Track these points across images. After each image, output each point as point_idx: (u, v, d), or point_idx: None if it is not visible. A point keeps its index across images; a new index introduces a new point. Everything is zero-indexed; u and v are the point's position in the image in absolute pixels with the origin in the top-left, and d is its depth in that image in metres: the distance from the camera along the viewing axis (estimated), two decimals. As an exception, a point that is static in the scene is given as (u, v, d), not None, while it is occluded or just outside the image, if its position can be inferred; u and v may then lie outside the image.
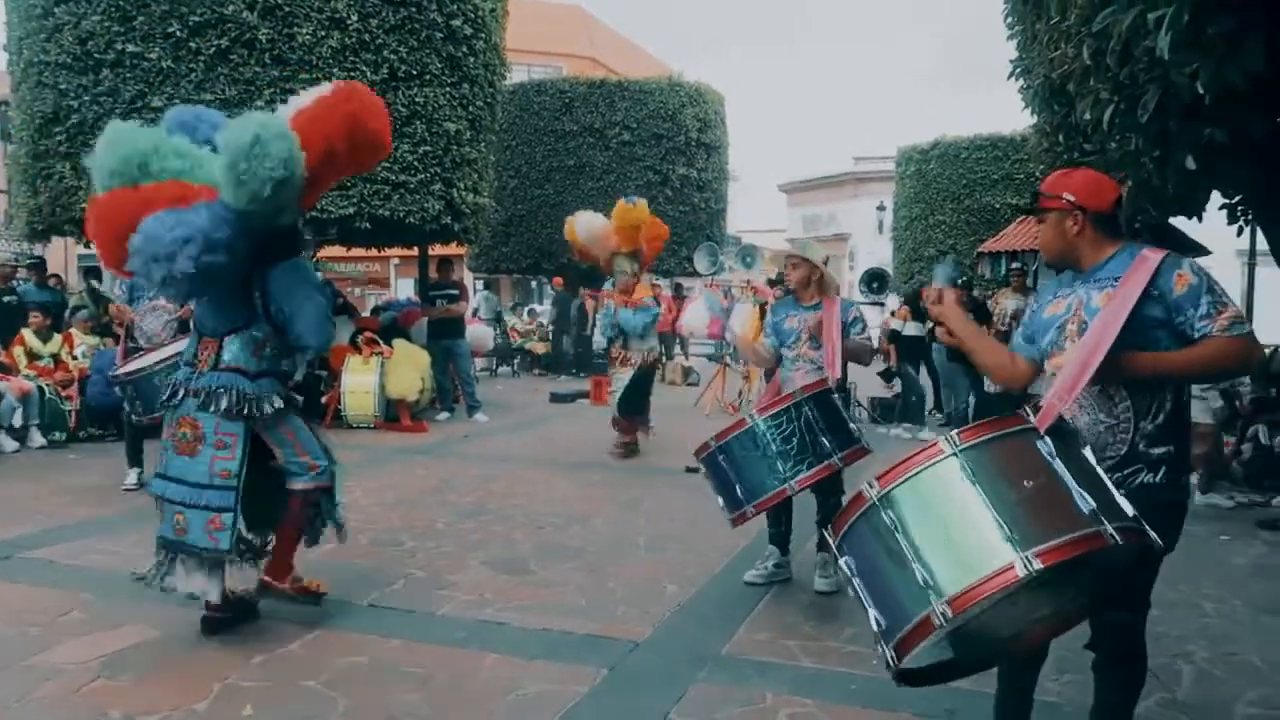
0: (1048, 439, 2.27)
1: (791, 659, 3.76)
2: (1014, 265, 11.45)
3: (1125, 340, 2.41)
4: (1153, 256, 2.48)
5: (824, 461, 4.09)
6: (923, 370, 11.27)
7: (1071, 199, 2.59)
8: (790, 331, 4.79)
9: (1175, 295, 2.43)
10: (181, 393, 3.83)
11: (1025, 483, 2.20)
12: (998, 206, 20.26)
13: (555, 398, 13.39)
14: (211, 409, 3.74)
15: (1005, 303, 10.15)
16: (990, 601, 2.15)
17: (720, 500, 4.23)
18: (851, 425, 4.32)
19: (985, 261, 15.65)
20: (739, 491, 4.10)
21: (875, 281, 12.60)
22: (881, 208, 29.37)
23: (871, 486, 2.31)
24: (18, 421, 8.41)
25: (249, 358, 3.82)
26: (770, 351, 4.91)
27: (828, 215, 35.16)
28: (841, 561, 2.41)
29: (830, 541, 2.49)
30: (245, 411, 3.76)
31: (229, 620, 3.94)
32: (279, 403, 3.86)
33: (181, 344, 4.94)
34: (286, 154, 3.43)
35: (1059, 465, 2.22)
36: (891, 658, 2.25)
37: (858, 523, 2.36)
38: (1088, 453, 2.31)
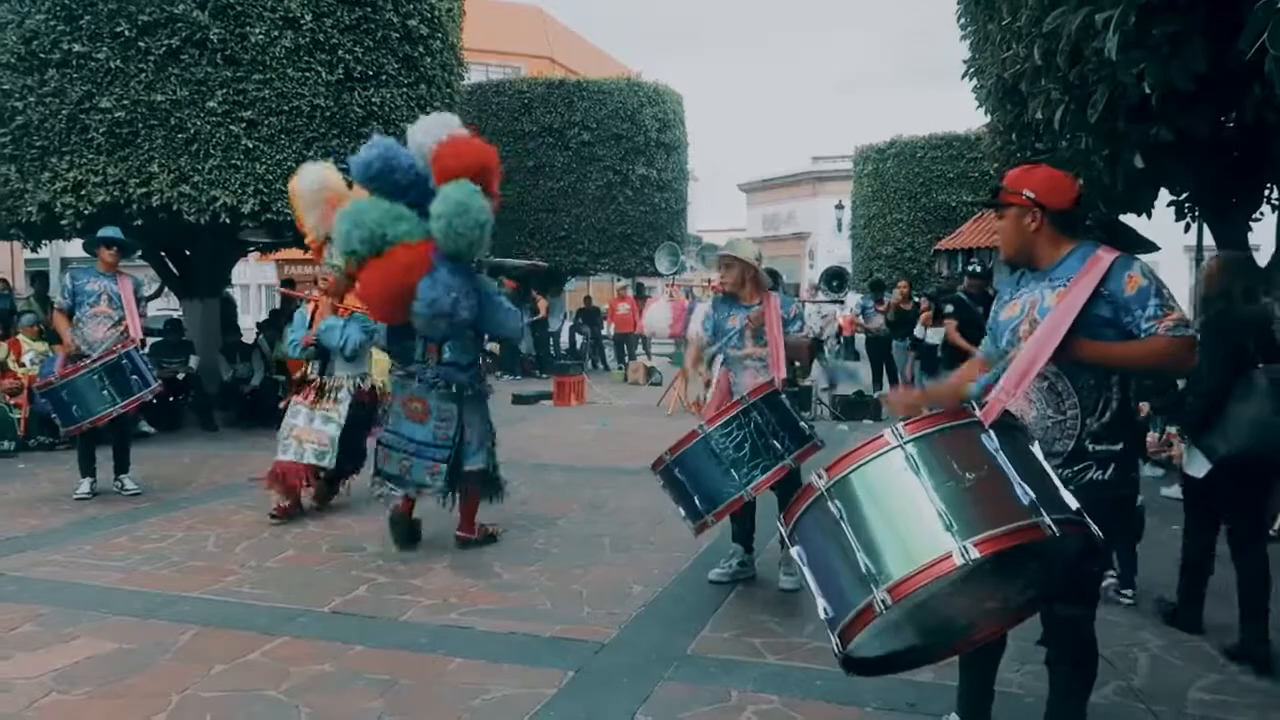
0: (992, 433, 2.31)
1: (756, 656, 3.78)
2: (972, 261, 11.62)
3: (1072, 337, 2.46)
4: (1105, 257, 2.53)
5: (778, 464, 4.12)
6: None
7: (1031, 195, 2.63)
8: (733, 330, 4.73)
9: (1125, 295, 2.48)
10: (416, 380, 5.22)
11: (967, 474, 2.24)
12: (953, 204, 20.57)
13: (518, 399, 13.33)
14: (436, 391, 5.18)
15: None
16: (929, 589, 2.18)
17: (681, 510, 4.25)
18: (802, 423, 4.34)
19: (942, 259, 15.86)
20: (697, 501, 4.13)
21: (835, 280, 12.73)
22: (840, 206, 29.63)
23: (820, 477, 2.35)
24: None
25: (461, 355, 5.21)
26: (707, 374, 4.96)
27: (787, 214, 35.45)
28: (793, 551, 2.44)
29: (782, 531, 2.52)
30: (458, 393, 5.19)
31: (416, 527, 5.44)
32: (479, 387, 5.37)
33: (118, 348, 6.38)
34: (487, 215, 4.86)
35: (1002, 458, 2.26)
36: (837, 644, 2.29)
37: (807, 512, 2.40)
38: (1035, 449, 2.35)
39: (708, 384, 6.10)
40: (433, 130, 5.08)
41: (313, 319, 6.47)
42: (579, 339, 19.91)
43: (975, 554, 2.10)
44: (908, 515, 2.24)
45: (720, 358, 4.87)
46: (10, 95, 9.14)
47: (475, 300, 5.00)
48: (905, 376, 10.20)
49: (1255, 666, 3.64)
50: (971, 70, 7.74)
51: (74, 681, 3.46)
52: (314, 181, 5.59)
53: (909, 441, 2.29)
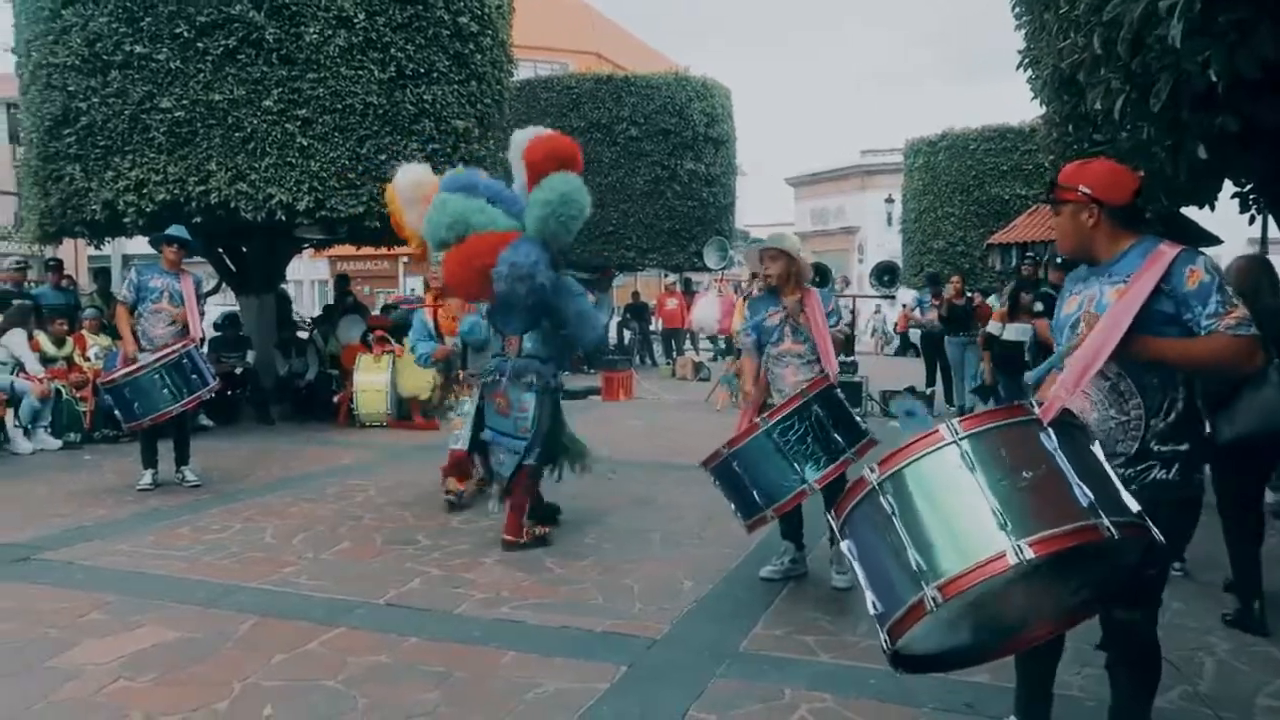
0: (1051, 431, 2.26)
1: (809, 654, 3.76)
2: (1028, 255, 11.40)
3: (1132, 335, 2.41)
4: (1168, 252, 2.46)
5: (838, 458, 4.10)
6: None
7: (1087, 191, 2.57)
8: (774, 328, 4.68)
9: (1185, 290, 2.41)
10: (497, 374, 5.43)
11: (1024, 473, 2.20)
12: (1007, 198, 20.18)
13: (566, 394, 13.36)
14: (515, 384, 5.35)
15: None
16: (981, 589, 2.15)
17: (733, 507, 4.23)
18: (857, 419, 4.34)
19: (996, 253, 15.58)
20: (755, 496, 4.10)
21: (886, 275, 12.58)
22: (890, 200, 29.30)
23: (872, 471, 2.33)
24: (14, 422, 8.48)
25: (540, 347, 5.43)
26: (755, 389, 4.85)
27: (836, 209, 35.11)
28: (844, 545, 2.44)
29: (833, 525, 2.51)
30: (538, 385, 5.34)
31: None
32: (554, 383, 5.50)
33: (177, 345, 6.54)
34: (587, 206, 5.11)
35: (1061, 458, 2.22)
36: (886, 640, 2.28)
37: (859, 507, 2.39)
38: (1096, 449, 2.30)
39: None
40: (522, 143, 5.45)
41: (437, 324, 6.80)
42: (627, 334, 19.93)
43: (1030, 554, 2.07)
44: (961, 512, 2.21)
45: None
46: (75, 96, 9.39)
47: (554, 277, 5.03)
48: (984, 377, 9.73)
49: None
50: (1026, 61, 7.57)
51: (140, 668, 3.55)
52: (412, 180, 5.82)
53: (965, 438, 2.26)
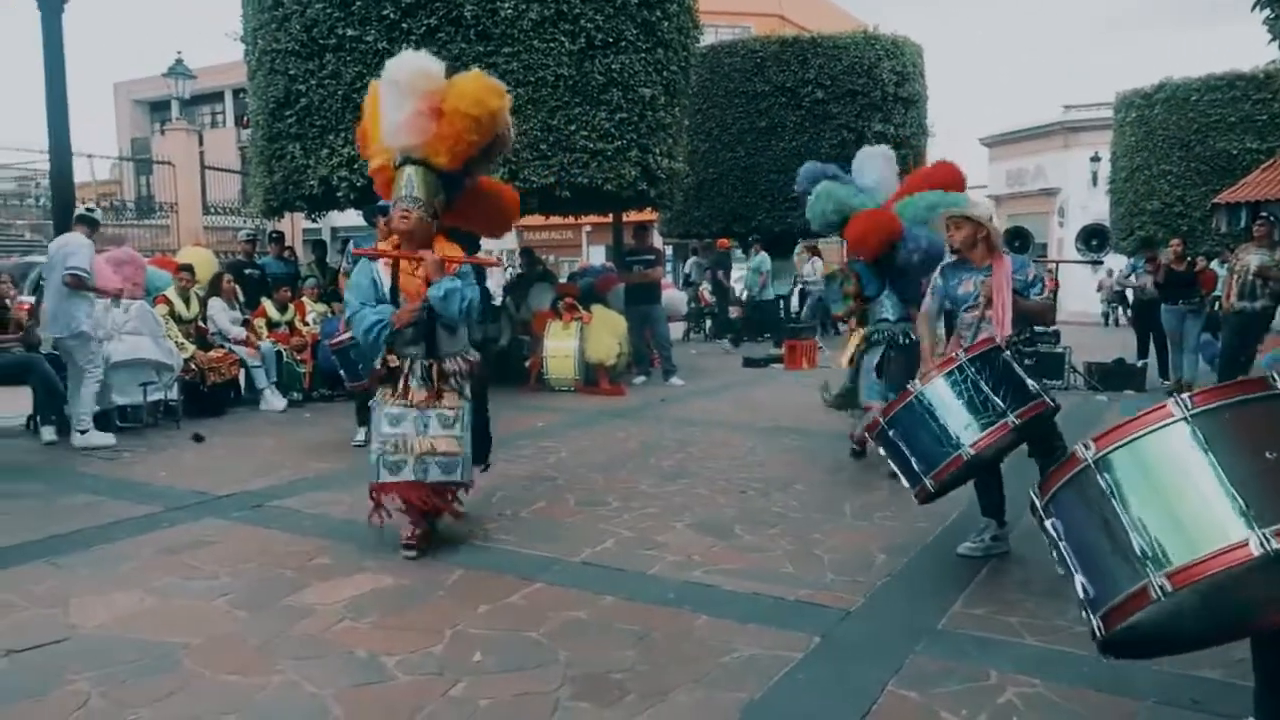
0: None
1: (1014, 636, 3.60)
2: (1262, 215, 10.35)
3: None
4: None
5: (999, 421, 3.85)
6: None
7: None
8: (967, 296, 4.55)
9: None
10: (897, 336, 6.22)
11: (1268, 454, 2.00)
12: (1235, 152, 18.43)
13: (749, 362, 13.34)
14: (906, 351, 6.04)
15: (1248, 258, 9.22)
16: (1217, 580, 1.97)
17: (903, 479, 4.12)
18: (1030, 382, 4.02)
19: (1222, 214, 14.22)
20: (915, 465, 3.97)
21: (1095, 238, 11.76)
22: (1096, 159, 27.30)
23: (1087, 448, 2.19)
24: (261, 383, 9.26)
25: (893, 310, 6.29)
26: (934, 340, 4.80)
27: (1034, 169, 33.00)
28: (1048, 524, 2.31)
29: (1037, 502, 2.38)
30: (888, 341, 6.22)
31: None
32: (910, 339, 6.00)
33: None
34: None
35: None
36: (1099, 626, 2.15)
37: (1069, 484, 2.26)
38: None
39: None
40: (874, 159, 6.83)
41: (396, 282, 4.64)
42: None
43: (1276, 545, 1.88)
44: (1192, 495, 2.04)
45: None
46: (295, 80, 10.11)
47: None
48: (1239, 351, 9.01)
49: None
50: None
51: (362, 611, 3.83)
52: (419, 68, 4.45)
53: (1197, 414, 2.07)
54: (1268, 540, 1.89)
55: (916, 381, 4.07)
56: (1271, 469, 1.99)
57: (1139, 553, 2.04)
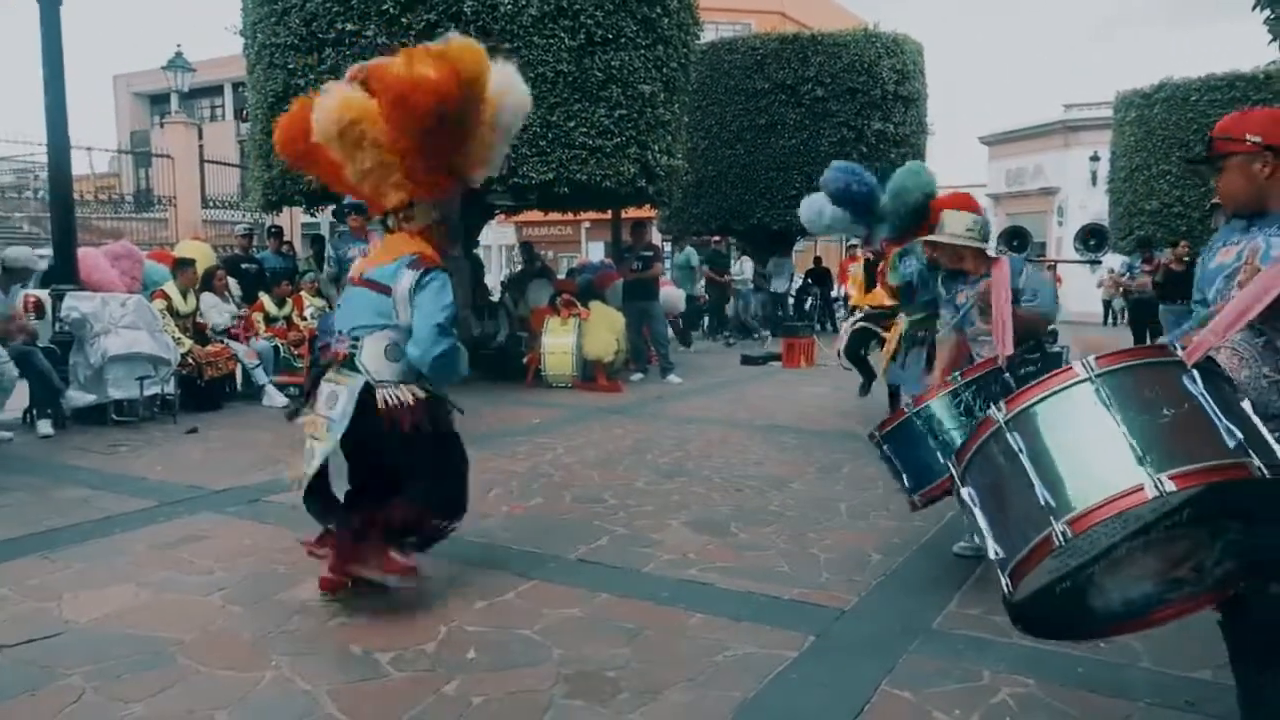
0: (1196, 374, 2.11)
1: (1009, 636, 3.57)
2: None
3: None
4: None
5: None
6: None
7: (1258, 140, 2.44)
8: (964, 306, 4.47)
9: None
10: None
11: (1165, 410, 2.08)
12: (1235, 153, 18.37)
13: (746, 360, 13.34)
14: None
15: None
16: (1114, 526, 2.05)
17: (897, 485, 4.20)
18: None
19: (1221, 214, 14.21)
20: (905, 480, 4.06)
21: (1093, 238, 11.75)
22: (1095, 158, 27.29)
23: (1000, 410, 2.26)
24: (261, 380, 9.25)
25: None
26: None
27: (1033, 168, 32.95)
28: (964, 493, 2.36)
29: (954, 472, 2.44)
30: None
31: None
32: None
33: None
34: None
35: (1206, 401, 2.07)
36: (1008, 585, 2.19)
37: (982, 449, 2.32)
38: (1245, 405, 2.12)
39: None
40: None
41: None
42: (808, 300, 19.61)
43: (1170, 487, 1.95)
44: (1094, 447, 2.11)
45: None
46: (294, 74, 10.08)
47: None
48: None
49: None
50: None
51: (356, 608, 3.80)
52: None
53: (1101, 375, 2.15)
54: (1161, 484, 1.96)
55: (909, 401, 4.12)
56: (1167, 425, 2.08)
57: (1042, 504, 2.09)
